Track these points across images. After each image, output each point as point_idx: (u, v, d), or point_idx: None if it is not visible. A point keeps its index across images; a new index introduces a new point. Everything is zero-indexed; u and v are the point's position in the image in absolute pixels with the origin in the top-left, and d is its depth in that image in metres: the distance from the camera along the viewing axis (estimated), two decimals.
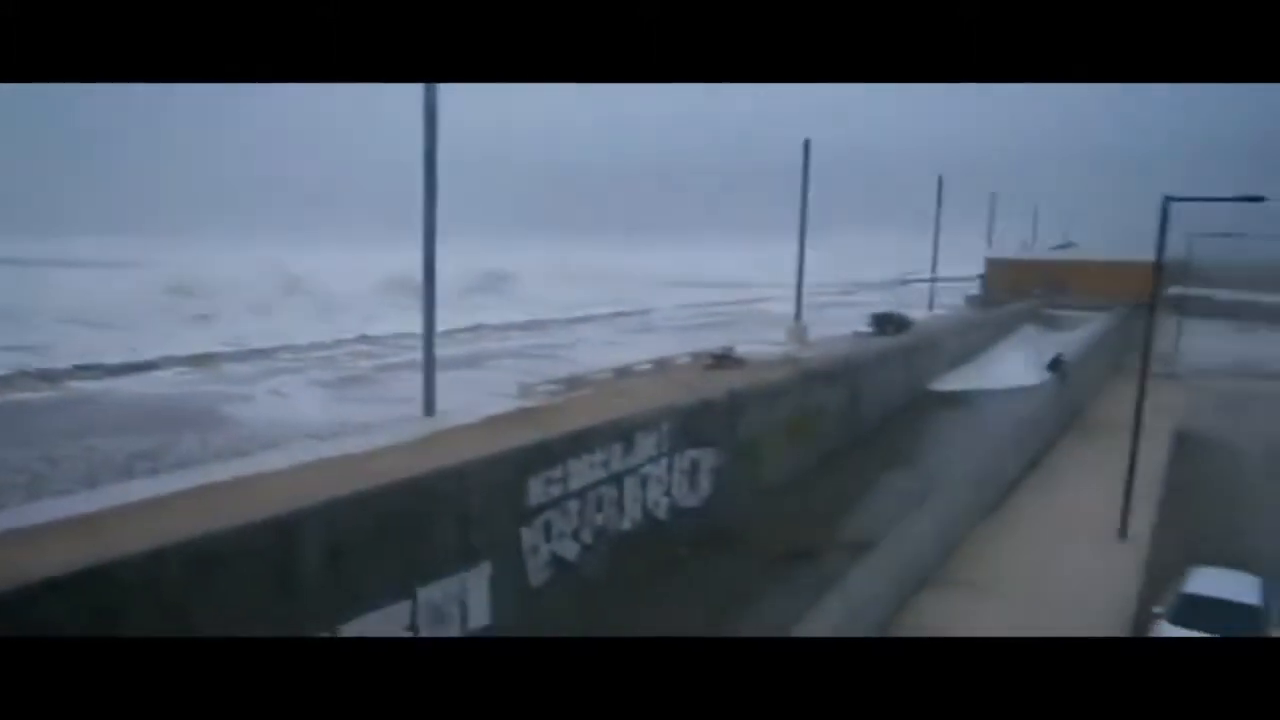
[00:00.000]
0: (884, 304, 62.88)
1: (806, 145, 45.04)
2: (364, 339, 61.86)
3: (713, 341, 41.79)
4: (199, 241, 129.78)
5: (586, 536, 21.03)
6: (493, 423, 21.46)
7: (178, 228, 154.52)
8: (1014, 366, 50.08)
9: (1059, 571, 22.34)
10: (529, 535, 19.09)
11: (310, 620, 13.96)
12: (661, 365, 32.34)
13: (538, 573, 19.41)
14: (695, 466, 25.48)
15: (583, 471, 20.69)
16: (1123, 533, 24.75)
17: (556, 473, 19.79)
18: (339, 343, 60.18)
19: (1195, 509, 28.26)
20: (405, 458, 17.53)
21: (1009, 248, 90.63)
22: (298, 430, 31.52)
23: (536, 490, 19.21)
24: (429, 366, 23.19)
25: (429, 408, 23.24)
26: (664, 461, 24.02)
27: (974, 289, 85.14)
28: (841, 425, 35.27)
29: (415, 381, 24.43)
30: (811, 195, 45.18)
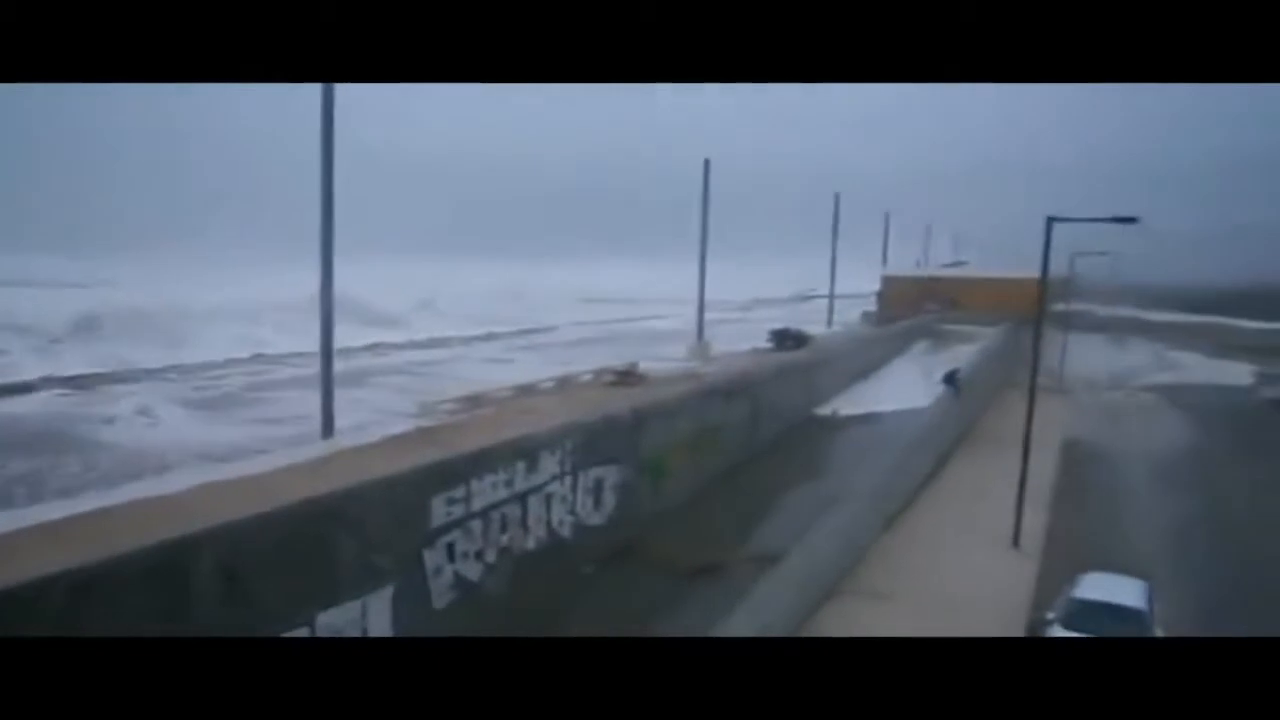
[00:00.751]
0: (783, 320, 63.86)
1: (706, 165, 45.67)
2: (259, 358, 60.06)
3: (600, 358, 41.85)
4: (111, 260, 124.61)
5: (490, 556, 20.68)
6: (393, 443, 20.99)
7: (94, 246, 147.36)
8: (909, 382, 51.35)
9: (956, 579, 22.90)
10: (432, 557, 18.67)
11: None
12: (564, 383, 32.17)
13: (441, 595, 19.00)
14: (599, 484, 25.35)
15: (486, 491, 20.35)
16: (1015, 540, 25.51)
17: (459, 493, 19.42)
18: (231, 361, 58.25)
19: (1083, 516, 29.38)
20: (302, 479, 16.98)
21: (904, 265, 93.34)
22: (184, 454, 30.39)
23: (439, 511, 18.82)
24: (327, 387, 22.57)
25: (327, 428, 22.61)
26: (568, 479, 23.83)
27: (871, 305, 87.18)
28: (743, 440, 35.61)
29: (311, 401, 23.79)
30: (714, 212, 45.91)
